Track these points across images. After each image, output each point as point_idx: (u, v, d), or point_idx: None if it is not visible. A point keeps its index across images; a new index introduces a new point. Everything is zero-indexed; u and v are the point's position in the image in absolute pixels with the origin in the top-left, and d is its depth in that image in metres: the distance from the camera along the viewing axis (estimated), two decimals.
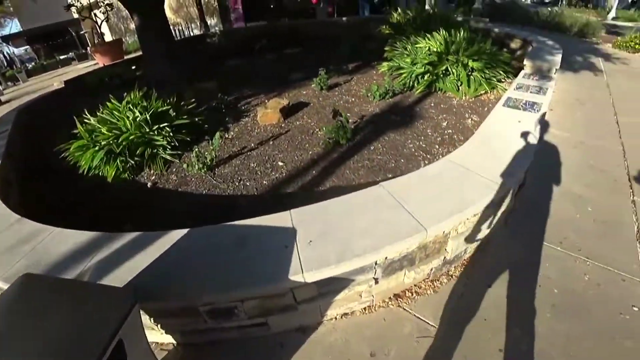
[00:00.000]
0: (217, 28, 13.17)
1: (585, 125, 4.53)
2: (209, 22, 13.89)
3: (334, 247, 1.75)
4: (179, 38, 12.19)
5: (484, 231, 2.48)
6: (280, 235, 1.85)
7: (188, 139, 3.92)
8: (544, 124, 3.54)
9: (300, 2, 14.86)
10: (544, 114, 3.62)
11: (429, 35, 5.44)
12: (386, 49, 6.22)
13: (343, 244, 1.77)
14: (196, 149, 3.46)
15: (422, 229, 1.87)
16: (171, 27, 8.17)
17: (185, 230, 1.99)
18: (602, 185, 3.36)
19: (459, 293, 2.30)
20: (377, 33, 8.09)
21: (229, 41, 9.61)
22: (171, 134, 3.80)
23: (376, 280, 1.94)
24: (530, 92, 4.07)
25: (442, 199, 2.14)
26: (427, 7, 11.37)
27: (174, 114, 4.06)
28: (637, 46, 9.13)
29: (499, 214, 2.58)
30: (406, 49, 5.51)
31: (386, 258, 1.84)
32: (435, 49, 5.11)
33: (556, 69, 4.87)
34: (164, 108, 4.05)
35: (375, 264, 1.82)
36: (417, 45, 5.35)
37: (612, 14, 19.40)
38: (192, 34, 13.17)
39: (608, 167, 3.64)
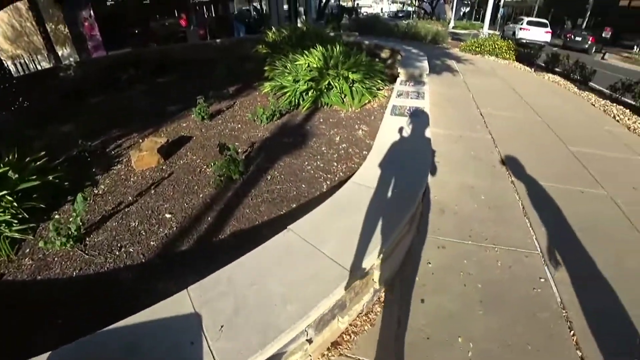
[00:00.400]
0: (71, 59, 11.32)
1: (459, 121, 5.10)
2: (60, 53, 11.86)
3: (252, 326, 1.38)
4: (20, 74, 10.05)
5: (404, 247, 2.42)
6: (182, 329, 1.38)
7: (42, 205, 3.02)
8: (428, 125, 3.79)
9: (169, 25, 13.98)
10: (427, 117, 3.89)
11: (307, 52, 5.49)
12: (266, 68, 6.10)
13: (263, 319, 1.42)
14: (56, 217, 2.66)
15: (347, 273, 1.65)
16: (7, 61, 6.59)
17: (45, 356, 1.35)
18: (486, 172, 3.73)
19: (396, 318, 2.17)
20: (254, 53, 7.96)
21: (88, 74, 8.26)
22: (15, 203, 2.88)
23: (310, 341, 1.65)
24: (411, 98, 4.38)
25: (360, 229, 1.98)
26: (299, 24, 11.81)
27: (17, 175, 3.11)
28: (477, 49, 11.07)
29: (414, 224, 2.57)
30: (286, 67, 5.46)
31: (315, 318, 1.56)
32: (315, 65, 5.16)
33: (426, 74, 5.42)
34: (0, 170, 3.08)
35: (307, 326, 1.52)
36: (296, 63, 5.34)
37: (452, 24, 23.67)
38: (39, 68, 11.04)
39: (485, 156, 4.09)
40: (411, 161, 2.85)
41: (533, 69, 9.83)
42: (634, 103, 6.59)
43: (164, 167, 3.62)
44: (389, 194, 2.33)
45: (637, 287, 2.41)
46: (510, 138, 4.60)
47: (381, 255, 1.90)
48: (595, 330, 2.09)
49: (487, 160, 3.98)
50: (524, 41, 16.73)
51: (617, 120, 5.87)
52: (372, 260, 1.80)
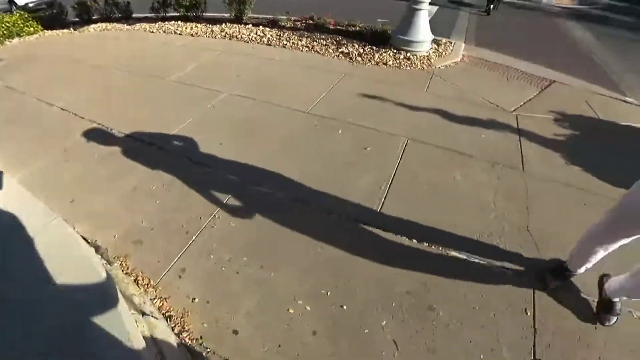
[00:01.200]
0: None
1: (45, 145, 3.77)
2: None
3: None
4: None
5: None
6: None
7: None
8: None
9: None
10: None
11: None
12: None
13: None
14: None
15: None
16: None
17: None
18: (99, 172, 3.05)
19: None
20: None
21: None
22: None
23: None
24: None
25: None
26: None
27: None
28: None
29: None
30: None
31: None
32: None
33: None
34: None
35: None
36: None
37: None
38: None
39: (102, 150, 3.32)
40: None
41: (71, 29, 8.75)
42: (179, 14, 7.15)
43: None
44: None
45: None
46: (124, 114, 3.91)
47: None
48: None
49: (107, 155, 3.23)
50: (31, 5, 14.45)
51: (180, 34, 6.26)
52: None
